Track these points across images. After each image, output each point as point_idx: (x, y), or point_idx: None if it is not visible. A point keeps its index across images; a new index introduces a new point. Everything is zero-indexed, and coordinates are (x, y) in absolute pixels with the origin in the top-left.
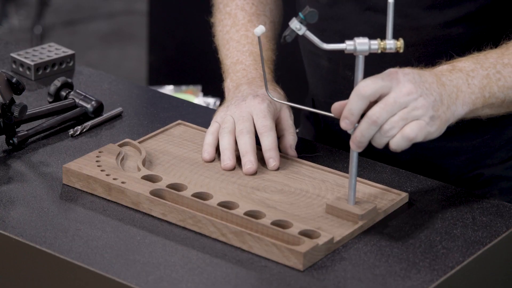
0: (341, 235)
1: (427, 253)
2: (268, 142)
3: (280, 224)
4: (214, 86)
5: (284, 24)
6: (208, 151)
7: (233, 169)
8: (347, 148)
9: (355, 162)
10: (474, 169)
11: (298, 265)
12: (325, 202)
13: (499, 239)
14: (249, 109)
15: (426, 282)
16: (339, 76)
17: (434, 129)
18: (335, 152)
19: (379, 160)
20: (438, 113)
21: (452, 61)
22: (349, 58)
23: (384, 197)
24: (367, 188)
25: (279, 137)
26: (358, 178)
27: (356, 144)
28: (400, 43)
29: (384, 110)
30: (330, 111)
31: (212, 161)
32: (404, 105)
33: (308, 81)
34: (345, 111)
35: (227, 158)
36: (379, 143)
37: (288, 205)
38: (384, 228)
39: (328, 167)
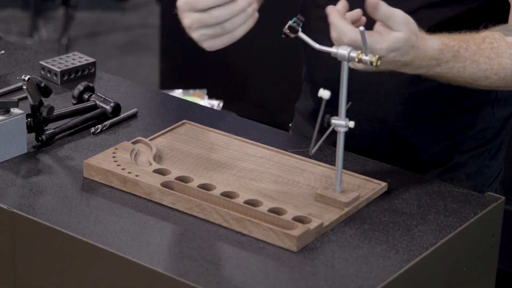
0: (329, 220)
1: (404, 236)
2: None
3: (275, 211)
4: (218, 90)
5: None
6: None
7: None
8: (335, 144)
9: (341, 156)
10: (447, 154)
11: (292, 247)
12: (315, 191)
13: (467, 224)
14: None
15: (404, 261)
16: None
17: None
18: (323, 147)
19: (362, 151)
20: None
21: (444, 38)
22: None
23: (366, 187)
24: (351, 179)
25: None
26: (344, 170)
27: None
28: (375, 58)
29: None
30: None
31: None
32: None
33: (304, 67)
34: (343, 36)
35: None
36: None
37: (282, 194)
38: (366, 214)
39: (317, 160)
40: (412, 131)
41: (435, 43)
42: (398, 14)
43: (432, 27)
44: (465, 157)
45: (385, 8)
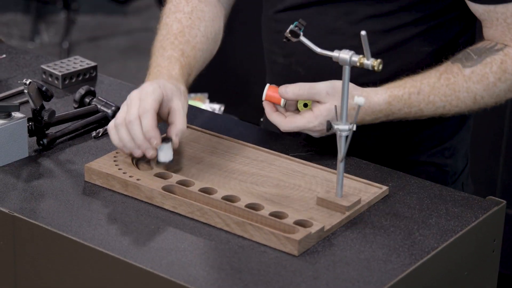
0: (331, 224)
1: (406, 240)
2: (145, 123)
3: (277, 215)
4: (219, 93)
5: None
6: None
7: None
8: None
9: (342, 160)
10: (407, 155)
11: (293, 251)
12: (316, 195)
13: (469, 227)
14: (138, 94)
15: (405, 265)
16: (292, 72)
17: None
18: (324, 151)
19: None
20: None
21: (393, 88)
22: (300, 55)
23: (368, 191)
24: (352, 183)
25: (170, 124)
26: (345, 174)
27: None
28: (377, 62)
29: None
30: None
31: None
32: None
33: (266, 78)
34: (280, 127)
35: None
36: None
37: (284, 198)
38: (368, 218)
39: (318, 164)
40: (366, 137)
41: (381, 97)
42: (320, 89)
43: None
44: (423, 157)
45: (307, 87)
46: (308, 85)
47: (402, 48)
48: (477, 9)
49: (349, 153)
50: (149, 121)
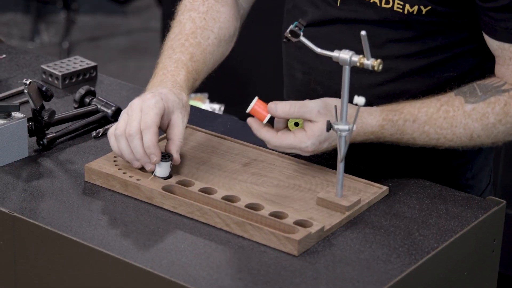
0: (331, 224)
1: (405, 240)
2: (146, 139)
3: (277, 215)
4: (219, 93)
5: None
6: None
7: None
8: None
9: (342, 160)
10: (430, 178)
11: (293, 251)
12: (316, 195)
13: (469, 227)
14: (140, 105)
15: (405, 265)
16: (310, 90)
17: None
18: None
19: (362, 156)
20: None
21: (388, 112)
22: (320, 74)
23: (368, 191)
24: (352, 183)
25: (168, 139)
26: (345, 174)
27: None
28: (377, 62)
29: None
30: None
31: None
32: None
33: (283, 93)
34: (268, 144)
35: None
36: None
37: (284, 198)
38: (368, 218)
39: (319, 164)
40: (389, 160)
41: (374, 119)
42: (311, 107)
43: (402, 58)
44: (446, 179)
45: (298, 106)
46: (299, 104)
47: (424, 74)
48: (492, 44)
49: (363, 159)
50: (151, 138)
